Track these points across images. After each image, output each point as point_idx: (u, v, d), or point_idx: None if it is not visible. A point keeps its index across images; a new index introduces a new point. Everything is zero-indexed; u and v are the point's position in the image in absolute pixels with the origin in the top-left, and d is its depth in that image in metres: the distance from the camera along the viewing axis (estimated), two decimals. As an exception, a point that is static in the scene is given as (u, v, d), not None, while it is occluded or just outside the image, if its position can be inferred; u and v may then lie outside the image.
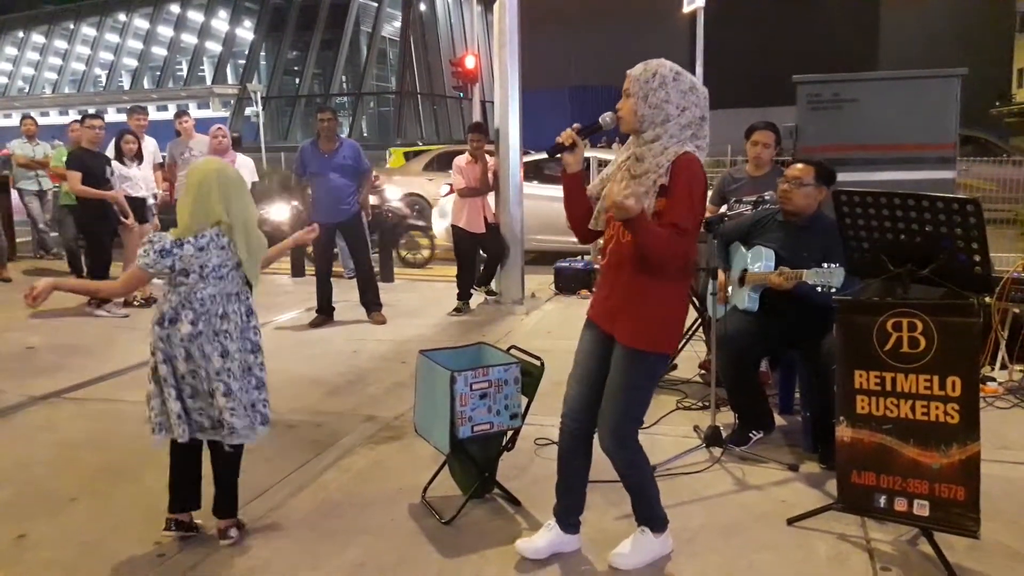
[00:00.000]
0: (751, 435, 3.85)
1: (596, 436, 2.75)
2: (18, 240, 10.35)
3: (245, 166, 7.39)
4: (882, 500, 2.82)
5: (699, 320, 5.01)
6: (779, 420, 4.12)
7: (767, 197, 4.53)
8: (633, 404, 2.67)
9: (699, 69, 24.81)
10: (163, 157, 8.59)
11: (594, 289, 2.83)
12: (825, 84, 5.50)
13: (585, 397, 2.75)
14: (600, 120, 2.66)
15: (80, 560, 2.92)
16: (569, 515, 2.88)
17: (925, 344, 2.73)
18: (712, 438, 3.78)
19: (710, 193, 5.14)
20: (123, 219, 7.09)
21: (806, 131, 5.47)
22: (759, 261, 3.79)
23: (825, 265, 3.41)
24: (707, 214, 4.80)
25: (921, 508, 2.75)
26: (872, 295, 2.96)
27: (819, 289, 3.42)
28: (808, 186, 3.67)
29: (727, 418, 3.99)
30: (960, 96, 5.30)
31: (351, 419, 4.35)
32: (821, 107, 5.45)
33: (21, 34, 47.39)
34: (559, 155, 2.70)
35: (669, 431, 4.07)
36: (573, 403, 2.79)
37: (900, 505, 2.79)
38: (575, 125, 2.69)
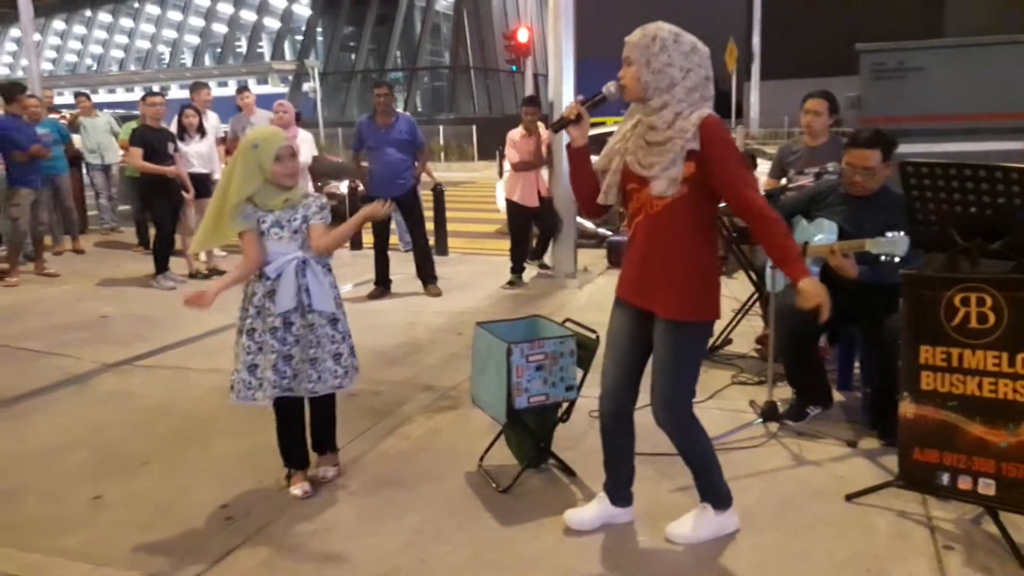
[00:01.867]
0: (809, 410, 3.81)
1: (635, 412, 2.76)
2: (89, 213, 10.72)
3: (306, 141, 7.52)
4: (945, 478, 2.77)
5: (756, 294, 4.95)
6: (837, 396, 4.06)
7: (830, 168, 4.43)
8: (686, 377, 2.65)
9: (756, 39, 24.24)
10: (224, 132, 8.78)
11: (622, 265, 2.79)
12: (890, 52, 5.32)
13: (621, 378, 2.73)
14: (604, 90, 2.61)
15: (153, 521, 3.05)
16: (618, 489, 2.89)
17: (994, 320, 2.66)
18: (769, 413, 3.75)
19: (769, 165, 5.06)
20: (184, 193, 7.29)
21: (869, 101, 5.31)
22: (821, 234, 3.72)
23: (889, 234, 3.31)
24: (767, 187, 4.73)
25: (986, 487, 2.69)
26: (939, 269, 2.88)
27: (883, 258, 3.34)
28: (879, 171, 3.57)
29: (784, 393, 3.95)
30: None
31: (409, 388, 4.43)
32: (885, 76, 5.27)
33: (88, 13, 48.59)
34: (565, 129, 2.68)
35: (725, 405, 4.05)
36: (610, 384, 2.76)
37: (964, 483, 2.73)
38: (579, 98, 2.66)
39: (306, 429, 3.28)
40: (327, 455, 3.35)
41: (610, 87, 2.59)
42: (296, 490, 3.18)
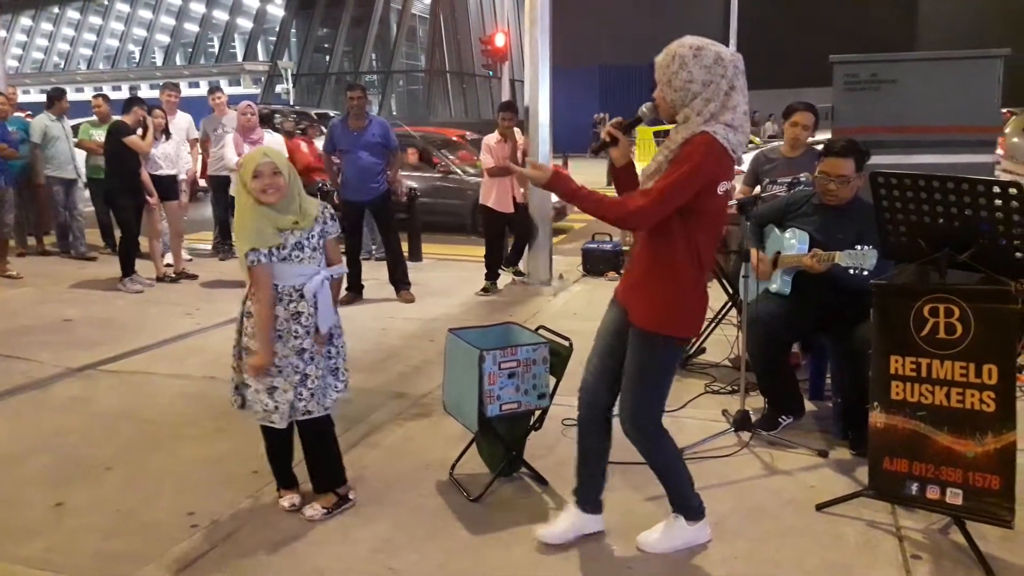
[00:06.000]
0: (780, 420, 3.82)
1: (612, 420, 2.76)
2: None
3: (275, 143, 7.42)
4: (914, 487, 2.79)
5: (729, 303, 4.97)
6: (809, 405, 4.09)
7: (802, 179, 4.47)
8: (648, 392, 2.63)
9: (732, 49, 24.50)
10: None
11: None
12: (863, 64, 5.37)
13: (601, 372, 2.74)
14: (639, 112, 2.65)
15: (116, 527, 2.99)
16: (586, 493, 2.87)
17: (962, 330, 2.69)
18: (741, 422, 3.75)
19: (744, 173, 5.09)
20: (147, 198, 7.17)
21: (842, 112, 5.36)
22: (793, 243, 3.75)
23: (858, 247, 3.36)
24: (740, 195, 4.76)
25: (954, 496, 2.71)
26: (908, 280, 2.91)
27: (852, 271, 3.37)
28: (853, 180, 3.61)
29: (756, 403, 3.96)
30: (1003, 77, 5.16)
31: (380, 396, 4.39)
32: (858, 88, 5.32)
33: (56, 10, 47.84)
34: (605, 151, 2.72)
35: (697, 415, 4.05)
36: (590, 377, 2.79)
37: (932, 493, 2.75)
38: (615, 120, 2.69)
39: (293, 453, 3.16)
40: (323, 495, 3.12)
41: (643, 108, 2.63)
42: (284, 502, 3.12)
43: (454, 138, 12.22)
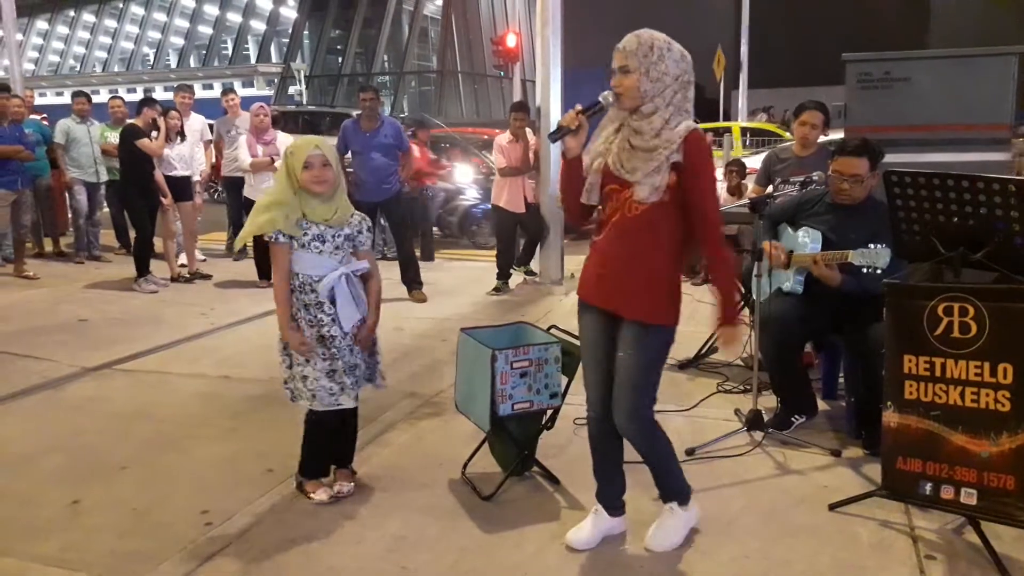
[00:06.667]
0: (793, 419, 3.81)
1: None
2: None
3: (287, 144, 7.44)
4: (928, 487, 2.77)
5: (742, 302, 4.95)
6: (822, 405, 4.07)
7: (815, 177, 4.45)
8: (648, 382, 2.64)
9: (744, 48, 24.39)
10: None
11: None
12: (876, 62, 5.35)
13: (602, 382, 2.72)
14: (601, 99, 2.59)
15: (131, 526, 3.01)
16: (613, 498, 2.87)
17: (976, 329, 2.67)
18: (753, 422, 3.74)
19: (756, 173, 5.07)
20: (162, 199, 7.21)
21: (855, 111, 5.34)
22: (806, 243, 3.73)
23: (871, 246, 3.34)
24: (752, 194, 4.75)
25: (968, 496, 2.69)
26: (922, 279, 2.89)
27: (864, 270, 3.36)
28: (866, 180, 3.59)
29: (769, 402, 3.95)
30: (1017, 75, 5.12)
31: (393, 395, 4.38)
32: (871, 86, 5.30)
33: (72, 13, 48.24)
34: (563, 138, 2.63)
35: (710, 414, 4.05)
36: (593, 391, 2.76)
37: (947, 493, 2.74)
38: (578, 106, 2.62)
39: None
40: (344, 470, 3.29)
41: (607, 96, 2.58)
42: (322, 495, 3.14)
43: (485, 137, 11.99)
